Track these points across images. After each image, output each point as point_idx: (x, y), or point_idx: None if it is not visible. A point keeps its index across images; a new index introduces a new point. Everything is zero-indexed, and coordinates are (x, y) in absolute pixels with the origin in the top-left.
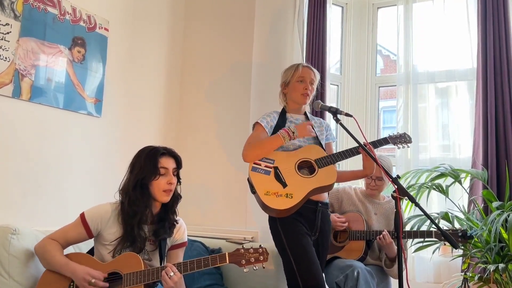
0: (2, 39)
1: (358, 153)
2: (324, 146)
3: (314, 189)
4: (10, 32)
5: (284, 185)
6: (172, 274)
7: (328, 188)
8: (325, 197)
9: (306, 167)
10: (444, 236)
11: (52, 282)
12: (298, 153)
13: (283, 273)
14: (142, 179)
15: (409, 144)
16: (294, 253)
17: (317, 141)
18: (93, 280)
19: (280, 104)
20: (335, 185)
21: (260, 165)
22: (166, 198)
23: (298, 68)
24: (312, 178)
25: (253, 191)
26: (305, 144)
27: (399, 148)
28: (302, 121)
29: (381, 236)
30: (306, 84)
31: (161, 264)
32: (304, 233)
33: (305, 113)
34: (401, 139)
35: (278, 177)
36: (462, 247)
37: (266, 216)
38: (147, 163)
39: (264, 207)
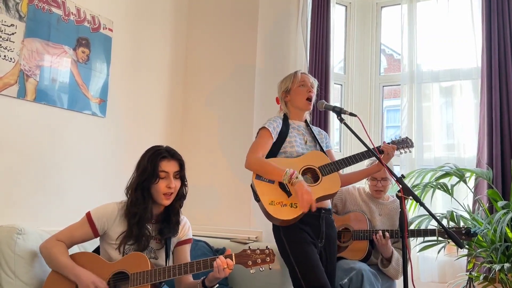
0: (7, 39)
1: (362, 159)
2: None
3: (318, 198)
4: (15, 33)
5: (289, 194)
6: (225, 266)
7: (331, 196)
8: (327, 203)
9: (310, 174)
10: (449, 236)
11: (59, 282)
12: (302, 160)
13: (288, 273)
14: (143, 182)
15: (411, 149)
16: (298, 261)
17: (318, 147)
18: None
19: (280, 113)
20: None
21: None
22: (167, 202)
23: (296, 74)
24: (317, 186)
25: (257, 199)
26: (308, 151)
27: (401, 153)
28: (303, 128)
29: (378, 235)
30: (308, 87)
31: (166, 263)
32: (308, 241)
33: (305, 121)
34: (403, 144)
35: (283, 186)
36: (467, 246)
37: None
38: (148, 166)
39: (269, 216)
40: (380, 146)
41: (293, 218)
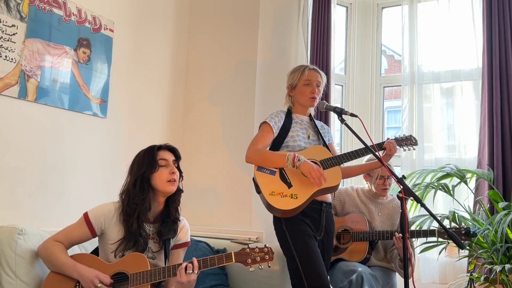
0: (8, 40)
1: (364, 154)
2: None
3: (319, 190)
4: (16, 33)
5: (289, 185)
6: (191, 271)
7: (333, 189)
8: (329, 197)
9: None
10: (450, 237)
11: (57, 283)
12: (304, 154)
13: (288, 273)
14: (142, 174)
15: (414, 147)
16: (300, 253)
17: (321, 142)
18: (99, 285)
19: (285, 105)
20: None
21: None
22: (172, 188)
23: (304, 71)
24: None
25: (258, 190)
26: (310, 145)
27: (404, 150)
28: (306, 122)
29: (398, 236)
30: (312, 87)
31: (165, 264)
32: (310, 234)
33: (309, 115)
34: (407, 142)
35: (284, 178)
36: (468, 247)
37: (270, 217)
38: (145, 159)
39: (269, 207)
40: (384, 143)
41: (293, 209)
